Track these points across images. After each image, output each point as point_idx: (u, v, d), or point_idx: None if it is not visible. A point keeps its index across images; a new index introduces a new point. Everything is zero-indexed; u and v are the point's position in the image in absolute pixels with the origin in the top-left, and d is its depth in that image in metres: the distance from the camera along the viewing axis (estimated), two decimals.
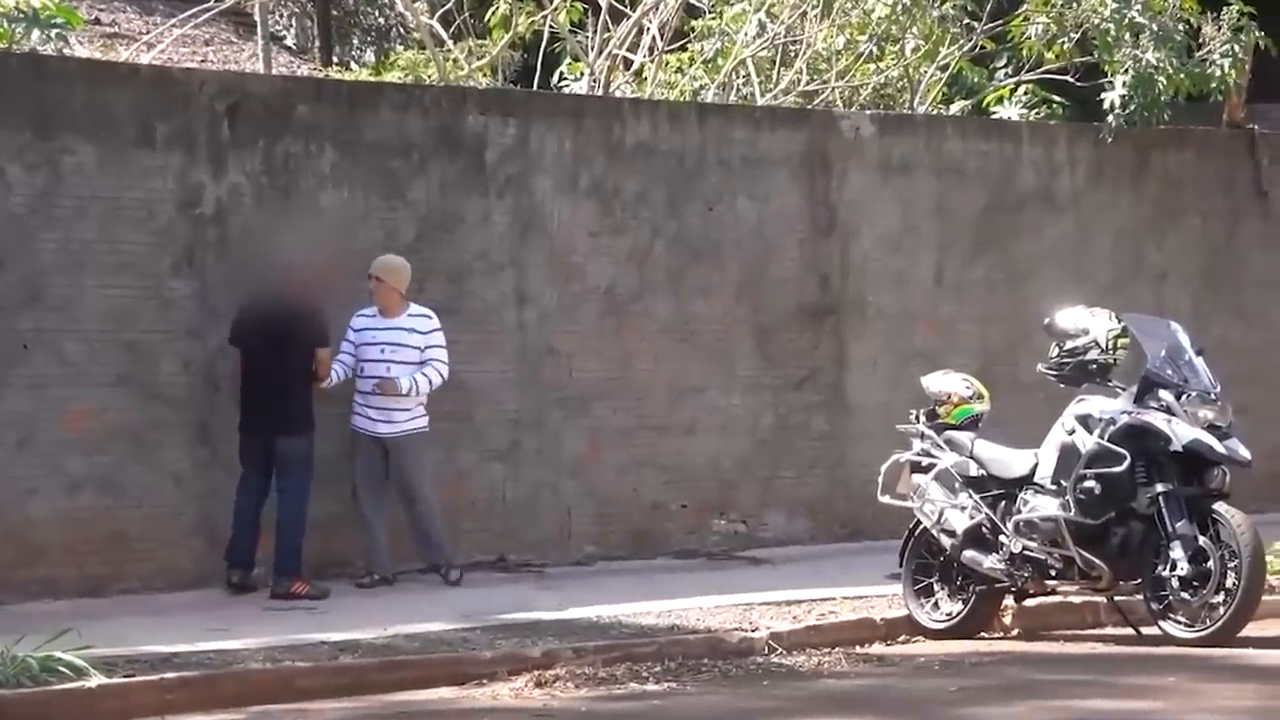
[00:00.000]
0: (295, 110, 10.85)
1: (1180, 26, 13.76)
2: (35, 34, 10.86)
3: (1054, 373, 9.38)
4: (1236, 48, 13.74)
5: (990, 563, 9.24)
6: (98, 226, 10.24)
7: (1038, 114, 14.59)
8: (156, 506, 10.29)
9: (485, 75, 14.73)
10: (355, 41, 21.43)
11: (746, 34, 14.31)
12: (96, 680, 7.62)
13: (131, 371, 10.28)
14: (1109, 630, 9.49)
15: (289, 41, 19.39)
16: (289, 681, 8.02)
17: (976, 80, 15.19)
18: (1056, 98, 14.85)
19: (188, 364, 10.38)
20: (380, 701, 7.91)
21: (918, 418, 9.76)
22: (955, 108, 14.89)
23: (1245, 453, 8.92)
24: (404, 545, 10.78)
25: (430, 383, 10.55)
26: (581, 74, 14.29)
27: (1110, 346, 9.20)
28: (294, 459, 10.12)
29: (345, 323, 10.55)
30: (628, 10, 13.93)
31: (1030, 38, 14.28)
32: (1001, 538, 9.25)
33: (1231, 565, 8.64)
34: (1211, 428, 8.88)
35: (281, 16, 19.29)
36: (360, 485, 10.55)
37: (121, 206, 10.31)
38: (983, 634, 9.41)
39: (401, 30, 20.08)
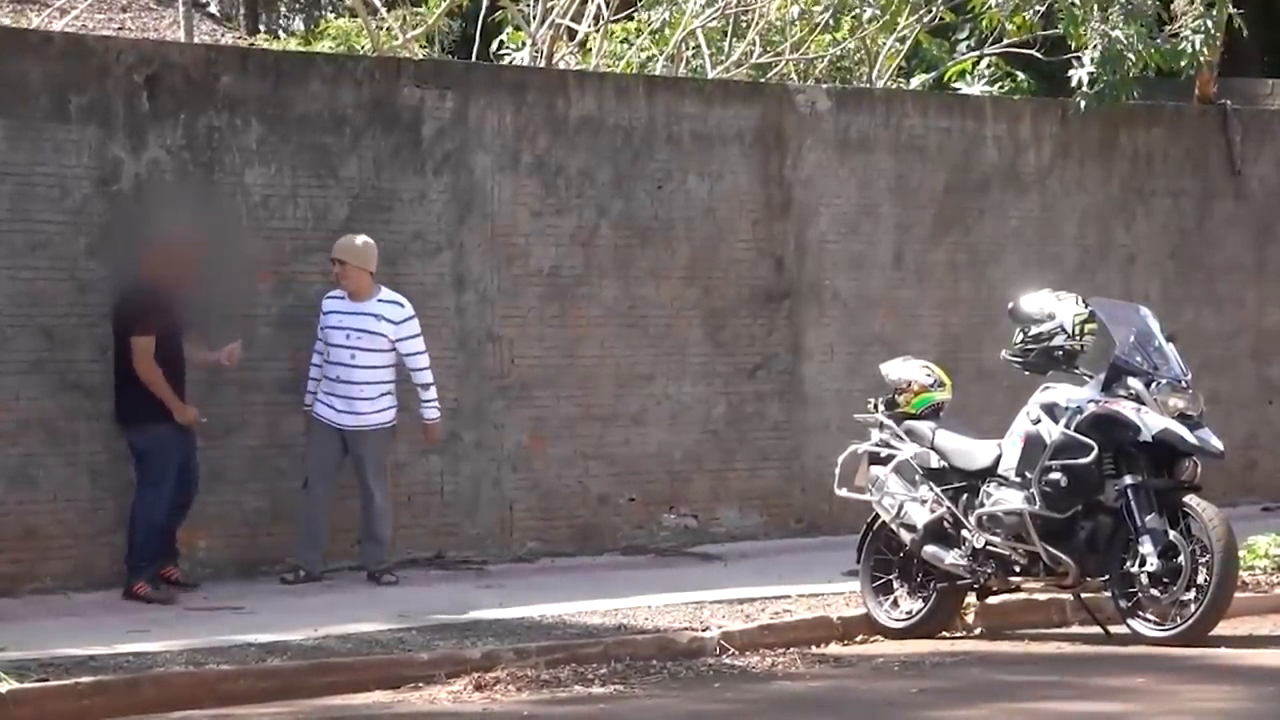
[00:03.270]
0: (219, 81, 10.77)
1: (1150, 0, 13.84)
2: None
3: (1018, 360, 9.41)
4: (1208, 22, 13.81)
5: (952, 558, 9.28)
6: (8, 204, 10.15)
7: (1001, 89, 14.66)
8: (72, 501, 10.21)
9: (421, 45, 14.68)
10: (283, 9, 21.34)
11: (696, 3, 14.31)
12: (7, 686, 7.56)
13: (45, 358, 10.19)
14: (1076, 629, 9.54)
15: (212, 8, 19.27)
16: (213, 685, 7.97)
17: (936, 53, 15.24)
18: (1021, 73, 14.93)
19: (105, 350, 10.28)
20: (310, 706, 7.88)
21: (876, 407, 9.78)
22: (915, 82, 14.94)
23: (1217, 443, 8.98)
24: (335, 542, 10.75)
25: (432, 384, 10.62)
26: (523, 44, 14.26)
27: (1077, 332, 9.24)
28: (139, 454, 10.00)
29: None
30: None
31: (993, 8, 14.34)
32: (964, 532, 9.29)
33: (1203, 561, 8.69)
34: (1182, 417, 8.93)
35: None
36: (314, 476, 10.52)
37: (33, 183, 10.22)
38: (944, 633, 9.44)
39: None
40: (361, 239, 10.67)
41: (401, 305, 10.61)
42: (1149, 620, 8.84)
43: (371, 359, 10.49)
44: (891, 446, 9.62)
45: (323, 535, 10.55)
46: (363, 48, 14.70)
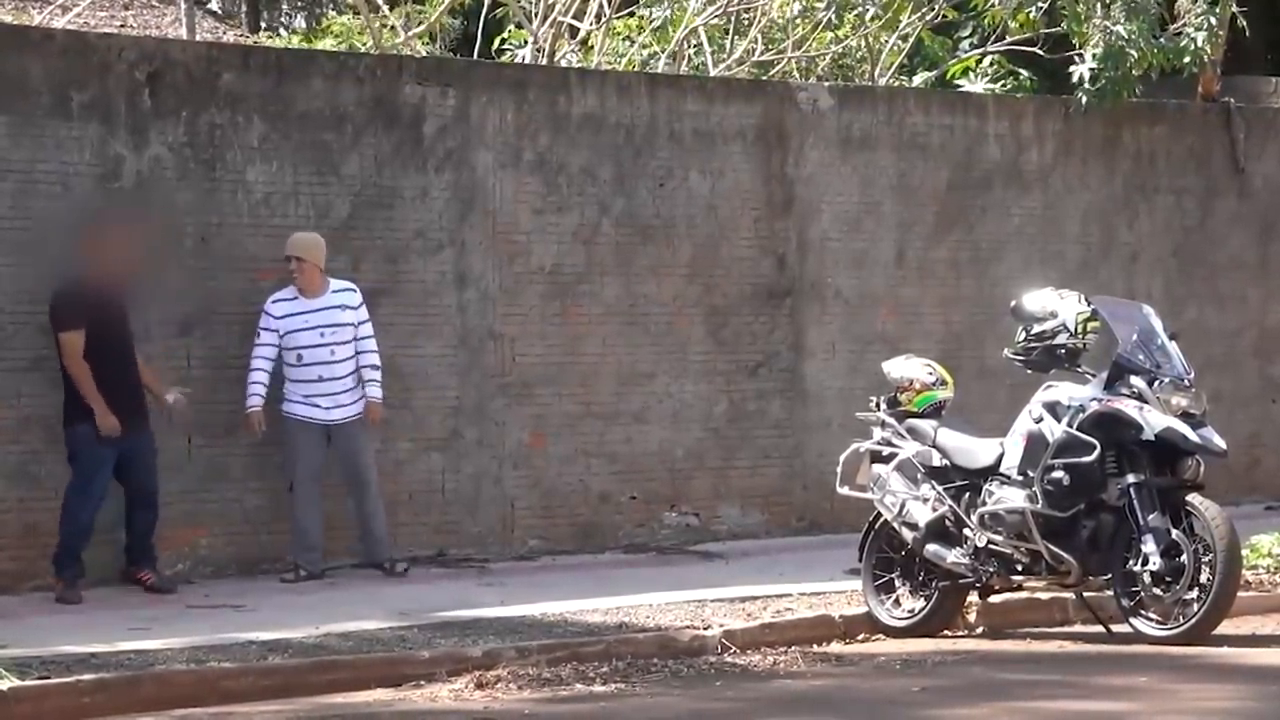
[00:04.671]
0: (221, 79, 10.77)
1: None
2: None
3: (1021, 358, 9.40)
4: (1211, 19, 13.80)
5: (954, 557, 9.27)
6: (10, 201, 10.15)
7: (1004, 87, 14.65)
8: None
9: (423, 43, 14.68)
10: (284, 6, 21.33)
11: (698, 0, 14.30)
12: (8, 683, 7.56)
13: (45, 356, 10.17)
14: (1078, 628, 9.53)
15: (213, 6, 19.27)
16: (214, 683, 7.97)
17: (939, 51, 15.24)
18: (1023, 71, 14.92)
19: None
20: (311, 704, 7.87)
21: (878, 405, 9.77)
22: (917, 80, 14.93)
23: (1220, 442, 8.97)
24: (334, 540, 10.76)
25: (380, 366, 10.64)
26: (525, 42, 14.25)
27: (1079, 330, 9.23)
28: (69, 454, 9.88)
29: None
30: None
31: (995, 6, 14.33)
32: (966, 531, 9.28)
33: (1205, 560, 8.68)
34: (1185, 416, 8.91)
35: None
36: (304, 477, 10.52)
37: (35, 180, 10.22)
38: (946, 632, 9.44)
39: None
40: (314, 235, 10.64)
41: (354, 291, 10.67)
42: (1151, 619, 8.83)
43: (346, 350, 10.56)
44: (893, 445, 9.61)
45: (319, 534, 10.55)
46: (364, 45, 14.70)
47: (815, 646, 9.10)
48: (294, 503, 10.56)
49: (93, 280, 9.81)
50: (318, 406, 10.52)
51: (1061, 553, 9.00)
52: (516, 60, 14.19)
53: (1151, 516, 8.80)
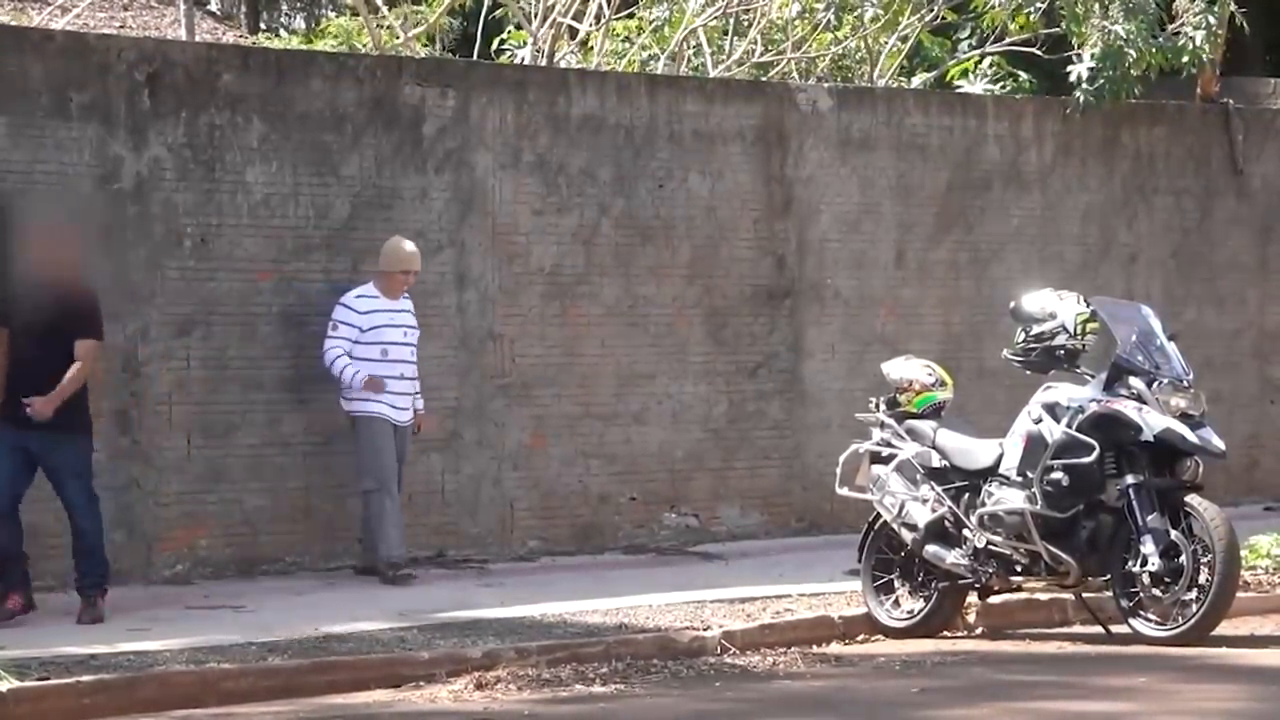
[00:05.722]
0: (220, 80, 10.77)
1: None
2: None
3: (1020, 359, 9.41)
4: (1210, 19, 13.81)
5: (953, 558, 9.28)
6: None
7: (1003, 88, 14.66)
8: None
9: (422, 43, 14.70)
10: (284, 7, 21.34)
11: (697, 1, 14.31)
12: (8, 684, 7.56)
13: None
14: (1077, 629, 9.54)
15: (213, 6, 19.28)
16: (214, 684, 7.97)
17: (938, 52, 15.26)
18: (1023, 72, 14.93)
19: (105, 349, 10.27)
20: (311, 705, 7.88)
21: (877, 406, 9.78)
22: (917, 81, 14.94)
23: (1219, 443, 8.98)
24: (336, 541, 10.76)
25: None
26: (524, 43, 14.26)
27: (1079, 331, 9.24)
28: None
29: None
30: None
31: (995, 7, 14.35)
32: (965, 532, 9.29)
33: (1204, 560, 8.69)
34: (1184, 417, 8.93)
35: None
36: (389, 476, 10.48)
37: (34, 181, 10.22)
38: (945, 633, 9.44)
39: None
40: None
41: (410, 301, 10.83)
42: (1150, 620, 8.84)
43: (415, 354, 10.73)
44: (893, 446, 9.61)
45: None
46: (364, 46, 14.71)
47: (815, 647, 9.10)
48: (381, 502, 10.43)
49: (14, 280, 9.47)
50: (395, 406, 10.59)
51: (1061, 553, 9.01)
52: (516, 61, 14.20)
53: (1150, 517, 8.80)
